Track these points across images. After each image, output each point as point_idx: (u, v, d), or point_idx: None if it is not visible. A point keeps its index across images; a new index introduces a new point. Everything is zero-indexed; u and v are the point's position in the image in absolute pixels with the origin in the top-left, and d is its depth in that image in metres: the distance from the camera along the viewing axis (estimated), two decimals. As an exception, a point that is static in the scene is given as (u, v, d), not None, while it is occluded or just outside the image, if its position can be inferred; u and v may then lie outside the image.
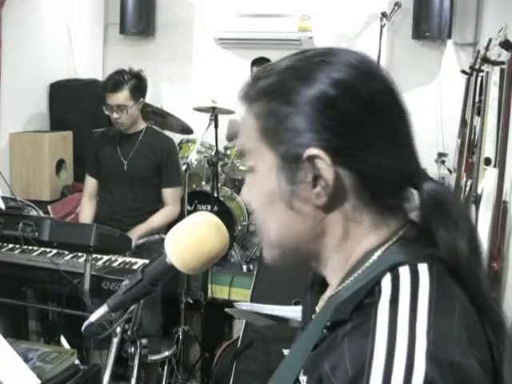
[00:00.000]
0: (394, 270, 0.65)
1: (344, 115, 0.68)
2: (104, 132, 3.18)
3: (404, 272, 0.65)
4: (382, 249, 0.69)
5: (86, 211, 3.10)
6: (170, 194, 3.07)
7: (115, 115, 2.90)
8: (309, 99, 0.68)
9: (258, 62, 4.17)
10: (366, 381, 0.56)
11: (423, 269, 0.65)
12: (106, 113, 2.93)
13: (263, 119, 0.72)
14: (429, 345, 0.57)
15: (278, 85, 0.71)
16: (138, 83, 2.94)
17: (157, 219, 3.01)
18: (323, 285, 0.80)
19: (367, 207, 0.70)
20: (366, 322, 0.61)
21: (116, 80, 2.89)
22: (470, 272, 0.68)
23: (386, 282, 0.64)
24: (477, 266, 0.70)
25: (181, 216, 3.05)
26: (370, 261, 0.69)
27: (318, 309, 0.79)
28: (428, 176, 0.72)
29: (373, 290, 0.64)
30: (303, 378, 0.67)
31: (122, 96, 2.87)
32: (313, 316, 0.79)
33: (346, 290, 0.69)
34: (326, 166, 0.67)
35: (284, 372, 0.71)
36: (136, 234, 2.85)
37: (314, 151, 0.67)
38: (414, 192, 0.72)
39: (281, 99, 0.70)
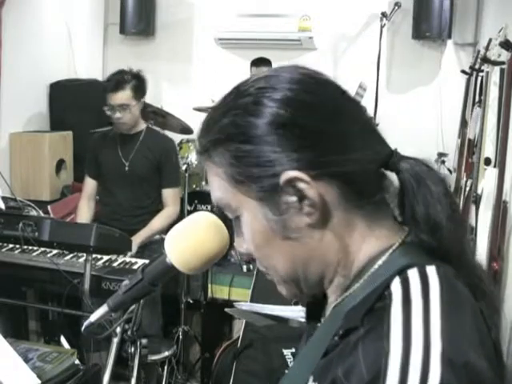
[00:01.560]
0: (402, 272, 0.65)
1: (305, 129, 0.67)
2: (103, 133, 3.17)
3: (413, 274, 0.64)
4: (386, 254, 0.69)
5: (84, 212, 3.09)
6: (170, 195, 3.07)
7: (118, 115, 2.89)
8: (264, 128, 0.68)
9: (257, 62, 4.17)
10: None
11: (431, 270, 0.65)
12: (108, 113, 2.91)
13: (228, 166, 0.70)
14: (443, 347, 0.57)
15: (229, 127, 0.70)
16: (139, 83, 2.95)
17: (158, 222, 3.00)
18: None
19: (358, 208, 0.70)
20: (380, 326, 0.60)
21: (118, 80, 2.89)
22: (455, 243, 0.69)
23: (396, 286, 0.64)
24: (460, 234, 0.70)
25: (181, 216, 3.05)
26: (376, 266, 0.69)
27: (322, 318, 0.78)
28: (403, 155, 0.72)
29: (383, 295, 0.64)
30: None
31: (124, 95, 2.87)
32: (318, 324, 0.78)
33: (354, 297, 0.68)
34: (306, 184, 0.67)
35: (292, 380, 0.71)
36: (138, 239, 2.84)
37: (288, 174, 0.67)
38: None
39: (237, 140, 0.69)
